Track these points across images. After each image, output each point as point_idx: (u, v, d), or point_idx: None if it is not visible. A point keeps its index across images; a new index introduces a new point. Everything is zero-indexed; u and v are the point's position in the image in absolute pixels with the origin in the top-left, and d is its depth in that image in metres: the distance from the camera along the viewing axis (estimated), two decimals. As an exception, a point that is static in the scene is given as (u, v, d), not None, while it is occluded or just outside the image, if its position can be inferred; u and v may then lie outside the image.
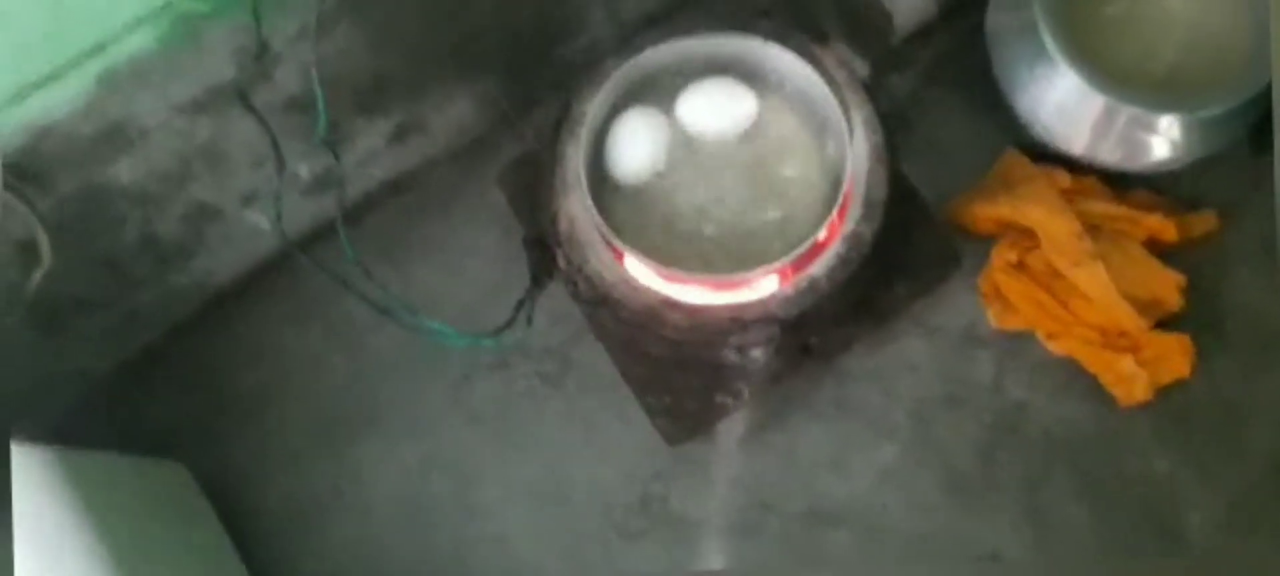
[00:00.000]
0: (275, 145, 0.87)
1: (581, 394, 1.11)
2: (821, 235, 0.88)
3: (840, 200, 0.88)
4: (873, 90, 0.96)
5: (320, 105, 0.85)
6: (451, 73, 1.04)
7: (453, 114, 1.11)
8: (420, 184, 1.17)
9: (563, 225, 0.93)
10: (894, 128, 0.98)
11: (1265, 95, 0.94)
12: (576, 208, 0.92)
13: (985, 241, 1.09)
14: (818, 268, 0.91)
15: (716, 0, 1.10)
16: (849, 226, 0.91)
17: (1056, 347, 1.05)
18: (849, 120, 0.89)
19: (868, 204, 0.91)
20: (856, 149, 0.90)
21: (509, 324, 0.95)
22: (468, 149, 1.17)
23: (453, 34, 1.00)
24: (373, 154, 1.09)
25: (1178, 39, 1.01)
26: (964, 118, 1.13)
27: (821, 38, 0.98)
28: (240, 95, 0.84)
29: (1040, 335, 1.06)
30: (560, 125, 0.95)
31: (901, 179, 0.97)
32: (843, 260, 0.91)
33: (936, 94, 1.14)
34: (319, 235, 1.07)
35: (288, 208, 0.96)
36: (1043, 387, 1.08)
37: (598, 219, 0.87)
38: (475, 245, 1.15)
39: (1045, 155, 1.06)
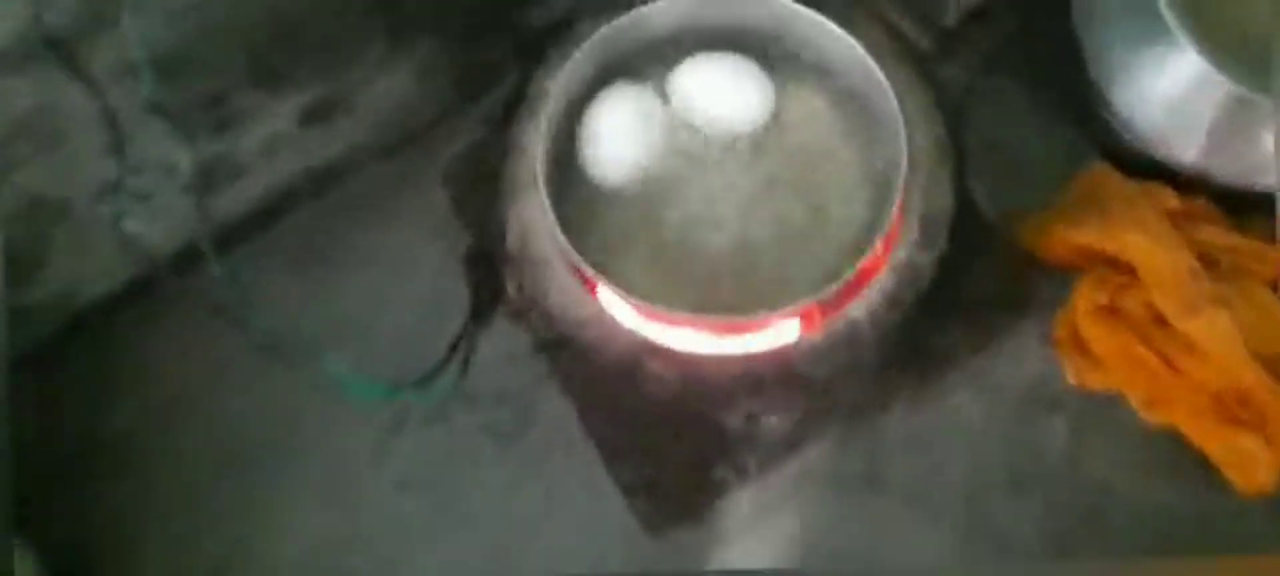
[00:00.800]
0: (111, 119, 0.64)
1: (544, 455, 0.87)
2: (864, 263, 0.65)
3: (891, 216, 0.65)
4: (932, 69, 0.73)
5: (139, 52, 0.61)
6: (382, 33, 0.81)
7: (387, 90, 0.88)
8: (348, 179, 0.94)
9: (513, 239, 0.70)
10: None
11: None
12: (532, 216, 0.68)
13: (1062, 277, 0.86)
14: (858, 308, 0.68)
15: None
16: (901, 253, 0.68)
17: (1154, 416, 0.83)
18: (904, 107, 0.66)
19: (927, 223, 0.69)
20: (914, 147, 0.67)
21: (437, 371, 0.72)
22: (410, 137, 0.94)
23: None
24: (280, 139, 0.87)
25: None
26: (1034, 116, 0.90)
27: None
28: (51, 45, 0.60)
29: (1133, 399, 0.83)
30: (516, 105, 0.71)
31: (966, 190, 0.74)
32: (892, 299, 0.68)
33: (999, 85, 0.92)
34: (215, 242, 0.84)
35: (163, 206, 0.73)
36: (1133, 465, 0.85)
37: (559, 233, 0.64)
38: (415, 258, 0.93)
39: (1141, 167, 0.84)
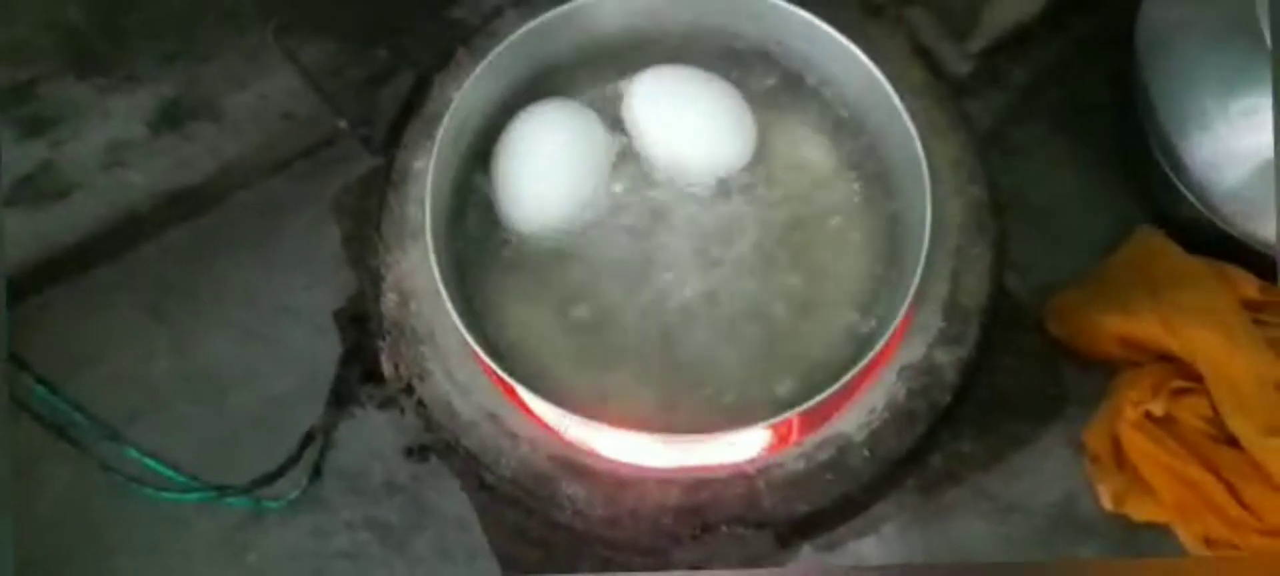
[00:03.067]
0: None
1: (439, 564, 0.68)
2: (862, 366, 0.47)
3: (903, 303, 0.47)
4: (967, 110, 0.56)
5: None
6: (253, 20, 0.62)
7: (264, 93, 0.71)
8: (223, 202, 0.76)
9: (390, 302, 0.52)
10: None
11: None
12: (417, 272, 0.50)
13: (1097, 369, 0.71)
14: (850, 421, 0.50)
15: None
16: (917, 350, 0.50)
17: (1208, 550, 0.66)
18: (931, 157, 0.48)
19: (953, 311, 0.51)
20: (942, 211, 0.49)
21: (281, 472, 0.54)
22: (301, 153, 0.77)
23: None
24: (126, 147, 0.69)
25: None
26: (1075, 171, 0.77)
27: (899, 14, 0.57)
28: None
29: (1184, 534, 0.68)
30: (408, 121, 0.53)
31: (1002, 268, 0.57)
32: (901, 412, 0.49)
33: (1033, 132, 0.76)
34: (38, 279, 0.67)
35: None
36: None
37: (446, 298, 0.46)
38: (296, 304, 0.76)
39: (1211, 243, 0.67)
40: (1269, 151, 0.62)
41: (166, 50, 0.62)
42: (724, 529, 0.48)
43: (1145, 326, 0.67)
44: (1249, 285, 0.67)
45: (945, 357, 0.51)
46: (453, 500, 0.70)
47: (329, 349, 0.69)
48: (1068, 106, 0.76)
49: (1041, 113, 0.76)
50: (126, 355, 0.71)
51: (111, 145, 0.68)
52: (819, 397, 0.46)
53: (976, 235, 0.52)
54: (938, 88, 0.53)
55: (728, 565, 0.48)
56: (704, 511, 0.49)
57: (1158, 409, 0.67)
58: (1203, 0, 0.64)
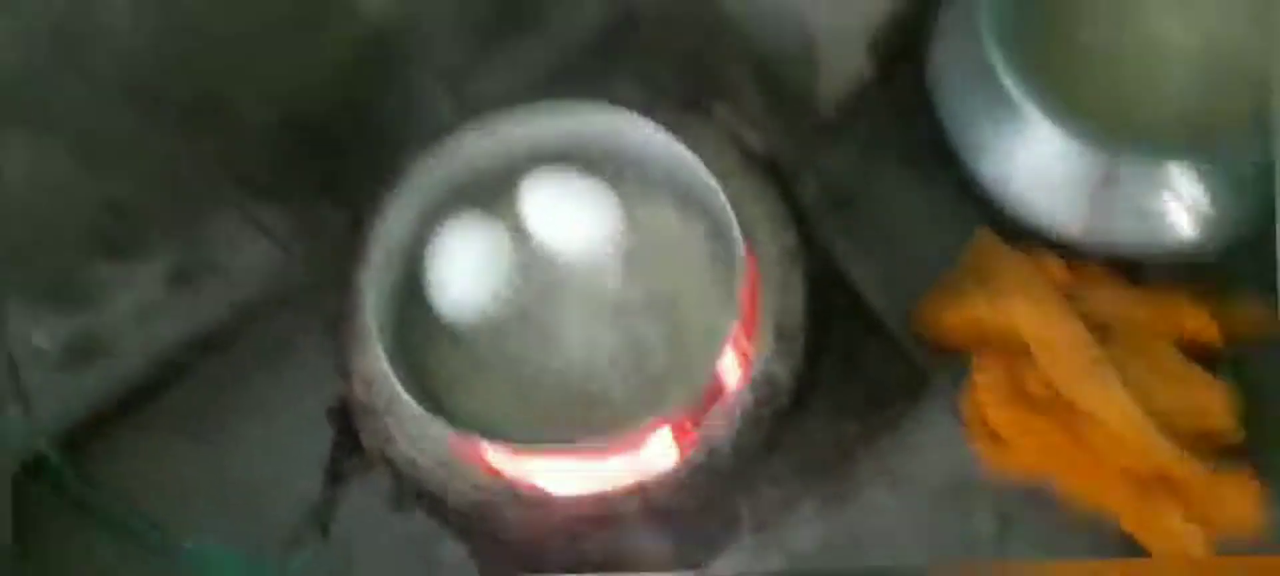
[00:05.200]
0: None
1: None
2: (700, 393, 0.61)
3: (726, 337, 0.61)
4: (786, 173, 0.70)
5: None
6: (231, 195, 0.79)
7: (256, 247, 0.86)
8: (240, 337, 0.91)
9: (358, 389, 0.67)
10: (829, 220, 0.73)
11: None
12: (375, 362, 0.66)
13: (959, 358, 0.81)
14: (718, 427, 0.64)
15: (619, 69, 0.86)
16: (758, 367, 0.65)
17: (1076, 498, 0.77)
18: (744, 215, 0.63)
19: (780, 334, 0.65)
20: (764, 256, 0.64)
21: (296, 541, 0.68)
22: (301, 288, 0.92)
23: (215, 143, 0.74)
24: (150, 308, 0.84)
25: (1188, 69, 0.75)
26: (921, 196, 0.87)
27: (711, 108, 0.73)
28: None
29: (1060, 487, 0.78)
30: (351, 250, 0.69)
31: (832, 290, 0.71)
32: (750, 417, 0.64)
33: (883, 170, 0.88)
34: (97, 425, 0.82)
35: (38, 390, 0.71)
36: (1070, 548, 0.79)
37: (393, 379, 0.61)
38: (304, 410, 0.89)
39: (1029, 236, 0.80)
40: (1044, 164, 0.74)
41: (166, 227, 0.78)
42: (629, 522, 0.62)
43: (982, 310, 0.78)
44: (1058, 268, 0.77)
45: (779, 369, 0.65)
46: (435, 537, 0.78)
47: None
48: (910, 141, 0.85)
49: (889, 153, 0.87)
50: (173, 475, 0.86)
51: (135, 309, 0.82)
52: (673, 407, 0.60)
53: (790, 272, 0.66)
54: (755, 163, 0.68)
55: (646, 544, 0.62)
56: (606, 514, 0.63)
57: (1003, 379, 0.78)
58: (961, 45, 0.75)
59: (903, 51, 0.83)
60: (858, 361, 0.76)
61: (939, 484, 0.83)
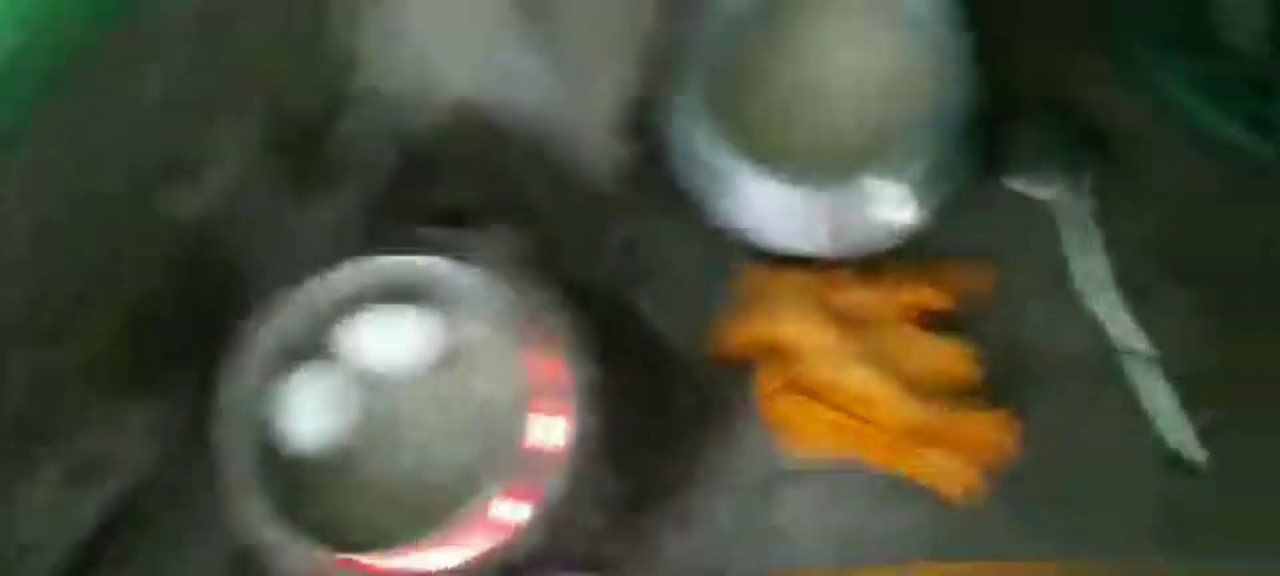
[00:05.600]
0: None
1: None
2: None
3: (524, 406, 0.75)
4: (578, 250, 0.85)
5: None
6: (99, 397, 0.90)
7: (148, 434, 0.96)
8: (143, 520, 1.01)
9: (242, 524, 0.79)
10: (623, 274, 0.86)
11: (977, 119, 0.86)
12: (247, 511, 0.78)
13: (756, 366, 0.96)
14: (552, 485, 0.78)
15: (427, 203, 0.99)
16: (576, 421, 0.79)
17: (869, 462, 0.92)
18: (530, 305, 0.77)
19: (587, 386, 0.79)
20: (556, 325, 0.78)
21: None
22: (183, 458, 1.02)
23: (77, 355, 0.85)
24: (51, 510, 0.93)
25: (861, 97, 0.92)
26: (696, 244, 1.01)
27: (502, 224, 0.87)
28: None
29: (848, 455, 0.93)
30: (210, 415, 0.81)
31: (630, 335, 0.86)
32: (576, 468, 0.78)
33: (660, 224, 1.01)
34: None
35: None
36: (878, 506, 0.93)
37: (255, 520, 0.73)
38: (214, 568, 0.99)
39: (788, 259, 0.95)
40: (768, 204, 0.90)
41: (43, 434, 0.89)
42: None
43: (761, 328, 0.92)
44: (814, 281, 0.92)
45: (591, 416, 0.79)
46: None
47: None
48: (677, 198, 0.97)
49: (663, 213, 0.99)
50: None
51: (38, 517, 0.92)
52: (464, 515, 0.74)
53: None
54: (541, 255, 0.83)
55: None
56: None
57: (782, 380, 0.91)
58: (681, 110, 0.91)
59: (647, 128, 0.98)
60: (672, 399, 0.91)
61: (761, 480, 0.95)
